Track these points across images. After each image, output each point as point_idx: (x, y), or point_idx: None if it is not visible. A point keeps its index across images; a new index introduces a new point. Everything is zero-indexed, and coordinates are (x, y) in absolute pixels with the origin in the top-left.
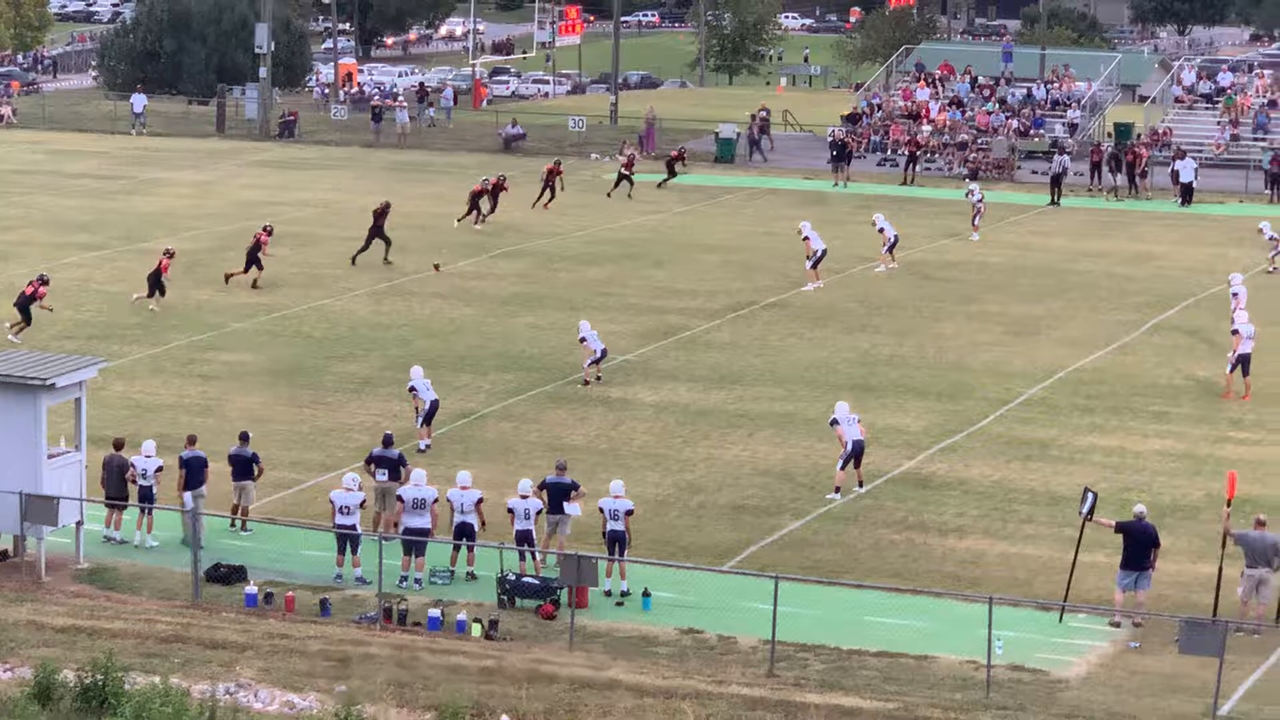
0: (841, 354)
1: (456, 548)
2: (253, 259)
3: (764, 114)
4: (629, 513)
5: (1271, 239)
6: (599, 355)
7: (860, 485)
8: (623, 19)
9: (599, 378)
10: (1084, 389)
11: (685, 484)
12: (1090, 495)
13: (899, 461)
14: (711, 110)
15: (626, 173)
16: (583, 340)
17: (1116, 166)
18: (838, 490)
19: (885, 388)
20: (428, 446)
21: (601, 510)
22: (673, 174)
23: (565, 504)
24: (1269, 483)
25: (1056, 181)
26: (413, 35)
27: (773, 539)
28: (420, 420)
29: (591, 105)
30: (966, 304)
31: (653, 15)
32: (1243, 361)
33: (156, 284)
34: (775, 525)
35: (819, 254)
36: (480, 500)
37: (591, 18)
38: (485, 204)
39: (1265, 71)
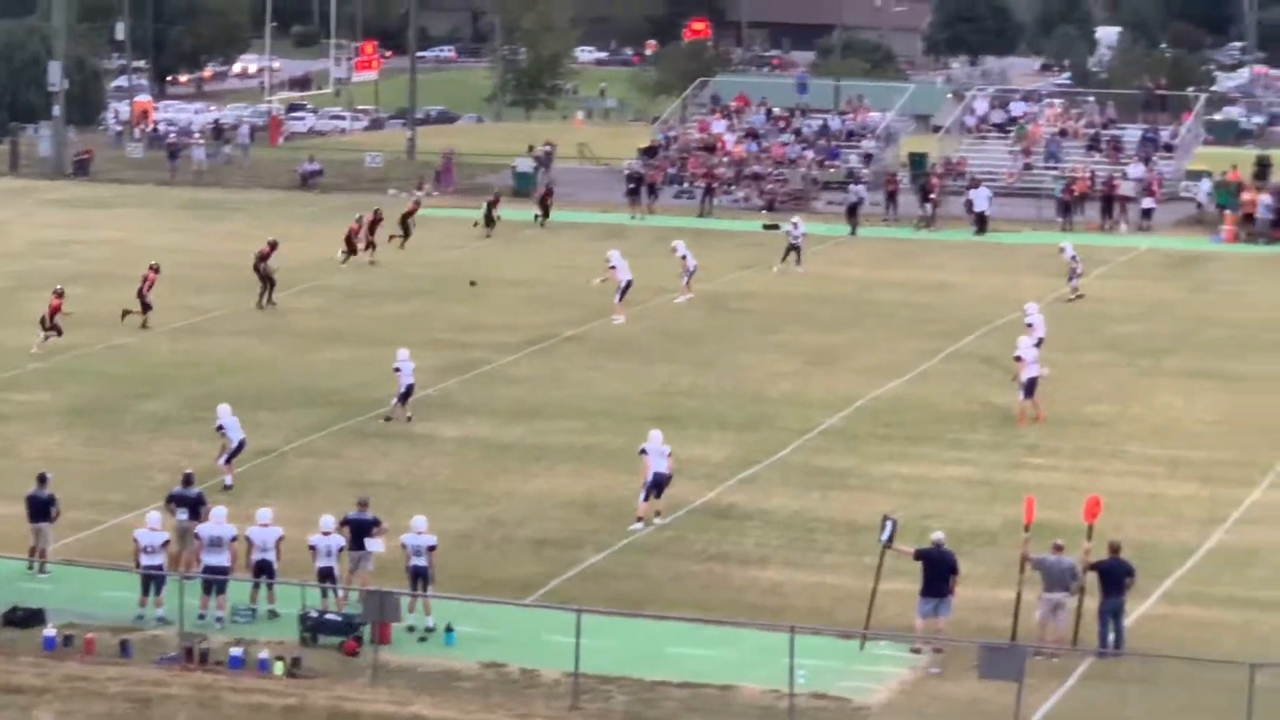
0: (641, 386)
1: (257, 585)
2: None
3: (547, 148)
4: (432, 548)
5: (1073, 258)
6: (403, 390)
7: (658, 516)
8: (419, 54)
9: (409, 418)
10: (882, 418)
11: (487, 518)
12: (889, 523)
13: (700, 492)
14: (509, 145)
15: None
16: (396, 370)
17: (924, 197)
18: (640, 521)
19: (685, 419)
20: (230, 484)
21: (404, 546)
22: (491, 221)
23: (367, 540)
24: (1065, 508)
25: (853, 211)
26: (208, 73)
27: (575, 572)
28: (224, 458)
29: (389, 141)
30: (766, 334)
31: (449, 50)
32: (1029, 386)
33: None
34: (577, 558)
35: (625, 285)
36: (281, 538)
37: (388, 53)
38: (362, 241)
39: (1055, 101)
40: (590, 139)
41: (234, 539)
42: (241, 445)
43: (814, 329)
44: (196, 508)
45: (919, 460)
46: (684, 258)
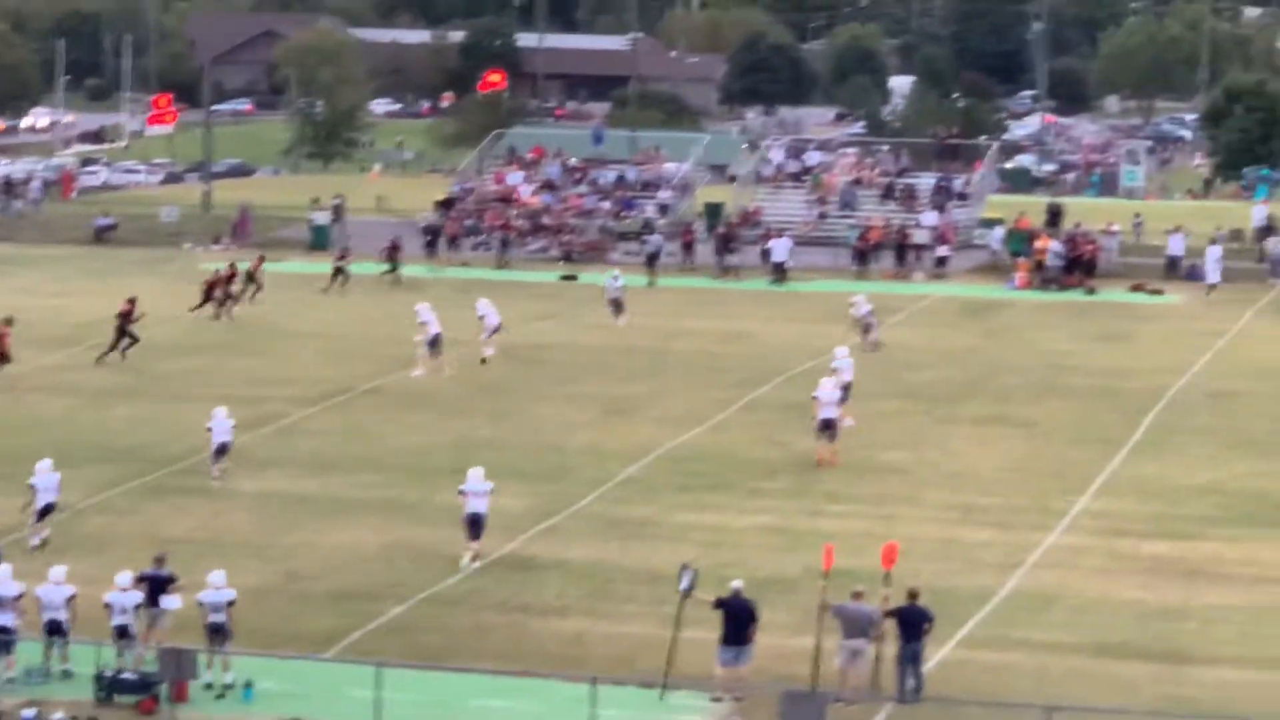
0: (439, 438)
1: (49, 645)
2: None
3: (337, 201)
4: (230, 603)
5: (868, 312)
6: (216, 447)
7: (475, 560)
8: (215, 108)
9: (215, 477)
10: (681, 467)
11: (286, 572)
12: (689, 572)
13: (500, 544)
14: (306, 197)
15: (341, 265)
16: (209, 429)
17: (724, 247)
18: (469, 557)
19: (485, 470)
20: (42, 542)
21: (201, 603)
22: (394, 267)
23: (163, 597)
24: (862, 554)
25: (651, 261)
26: (0, 125)
27: (376, 625)
28: (35, 517)
29: (185, 195)
30: (564, 385)
31: (246, 104)
32: (824, 425)
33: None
34: (378, 611)
35: (434, 339)
36: (73, 596)
37: (183, 106)
38: (220, 292)
39: (850, 150)
40: (388, 191)
41: (19, 597)
42: (51, 508)
43: (612, 379)
44: None
45: (718, 509)
46: (483, 317)
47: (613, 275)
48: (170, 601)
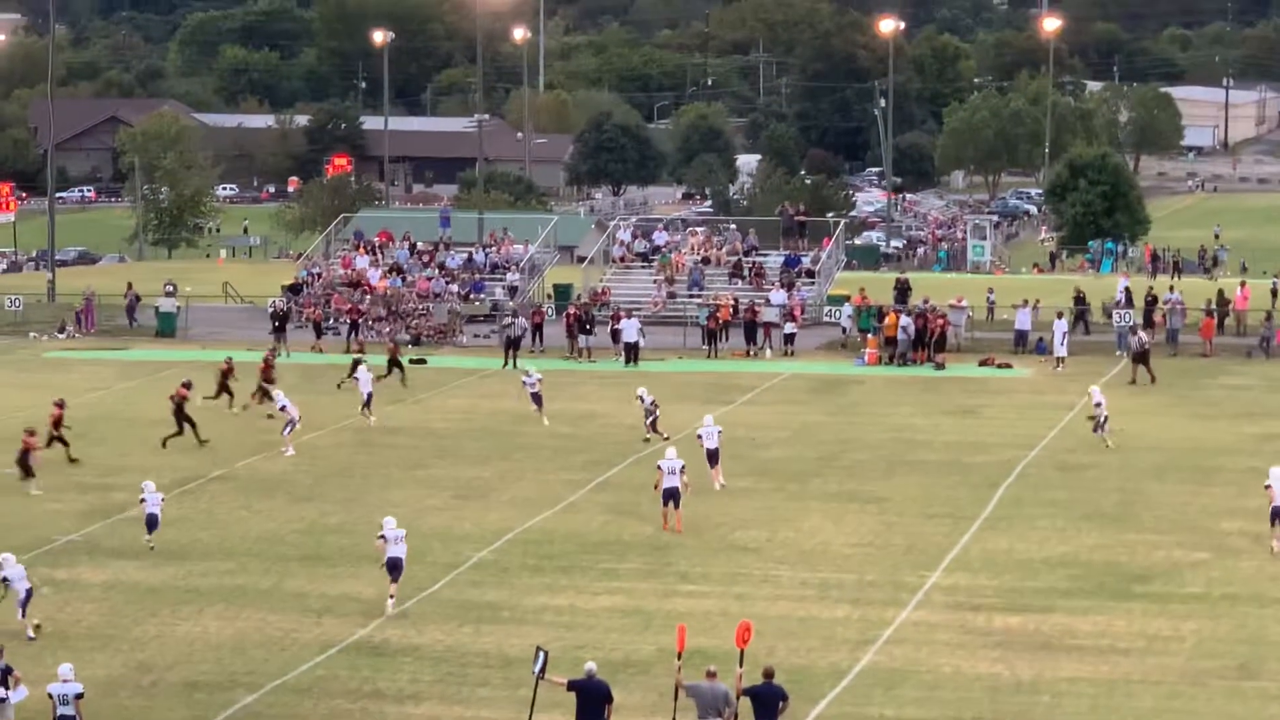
0: (290, 524)
1: None
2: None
3: (169, 288)
4: (79, 696)
5: (651, 405)
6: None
7: (392, 600)
8: (59, 195)
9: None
10: (534, 549)
11: (136, 663)
12: (542, 654)
13: (351, 630)
14: (152, 284)
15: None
16: (142, 501)
17: (580, 328)
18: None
19: (335, 556)
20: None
21: (50, 695)
22: (399, 366)
23: (7, 690)
24: (716, 633)
25: (514, 344)
26: None
27: (227, 715)
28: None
29: (28, 283)
30: (414, 469)
31: (89, 190)
32: (667, 495)
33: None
34: (229, 700)
35: (294, 421)
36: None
37: (25, 195)
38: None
39: (698, 229)
40: (234, 277)
41: None
42: (30, 593)
43: (462, 462)
44: None
45: (571, 591)
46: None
47: (525, 372)
48: (15, 694)
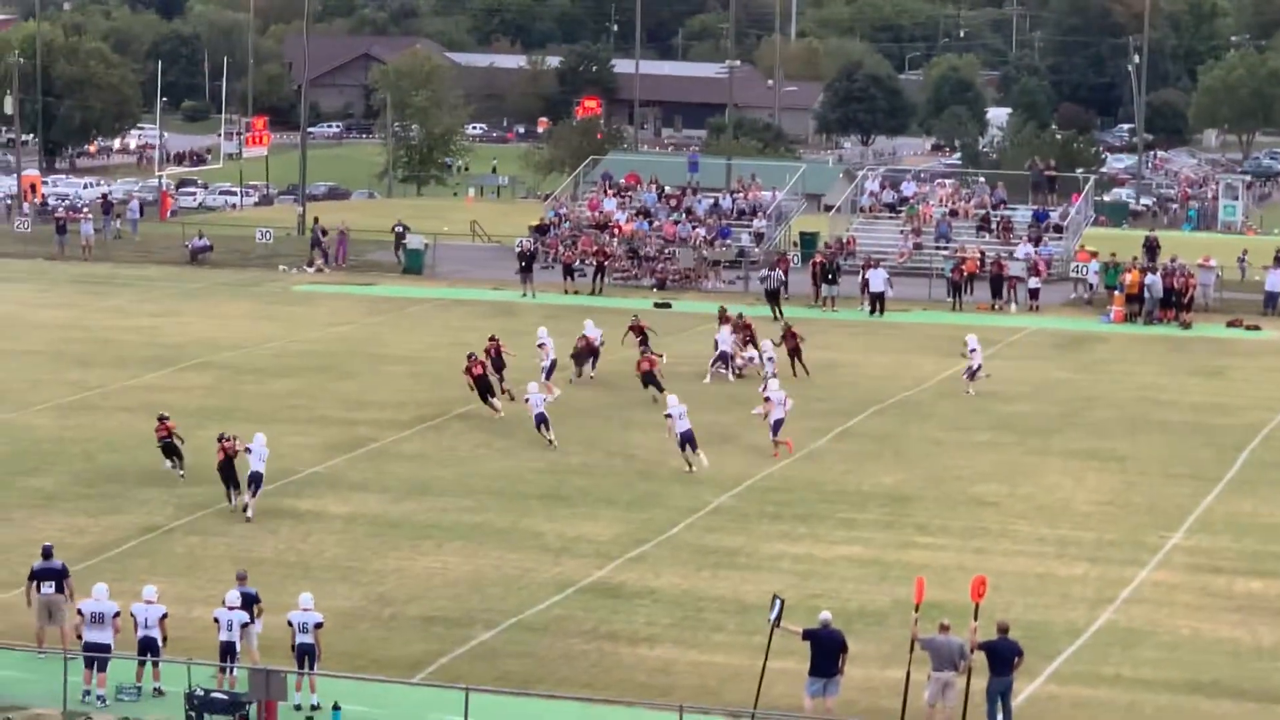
0: (530, 464)
1: (141, 663)
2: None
3: (399, 228)
4: (318, 625)
5: (972, 350)
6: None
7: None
8: (310, 130)
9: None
10: (772, 496)
11: (375, 596)
12: (778, 602)
13: (588, 571)
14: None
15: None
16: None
17: (825, 276)
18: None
19: (575, 496)
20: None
21: (290, 623)
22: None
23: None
24: (953, 587)
25: (773, 297)
26: (93, 147)
27: (464, 650)
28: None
29: (279, 217)
30: (656, 413)
31: (336, 126)
32: (777, 425)
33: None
34: (466, 636)
35: (551, 364)
36: (165, 615)
37: (280, 131)
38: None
39: (946, 181)
40: (482, 216)
41: (117, 615)
42: (257, 475)
43: (706, 407)
44: (61, 580)
45: (808, 539)
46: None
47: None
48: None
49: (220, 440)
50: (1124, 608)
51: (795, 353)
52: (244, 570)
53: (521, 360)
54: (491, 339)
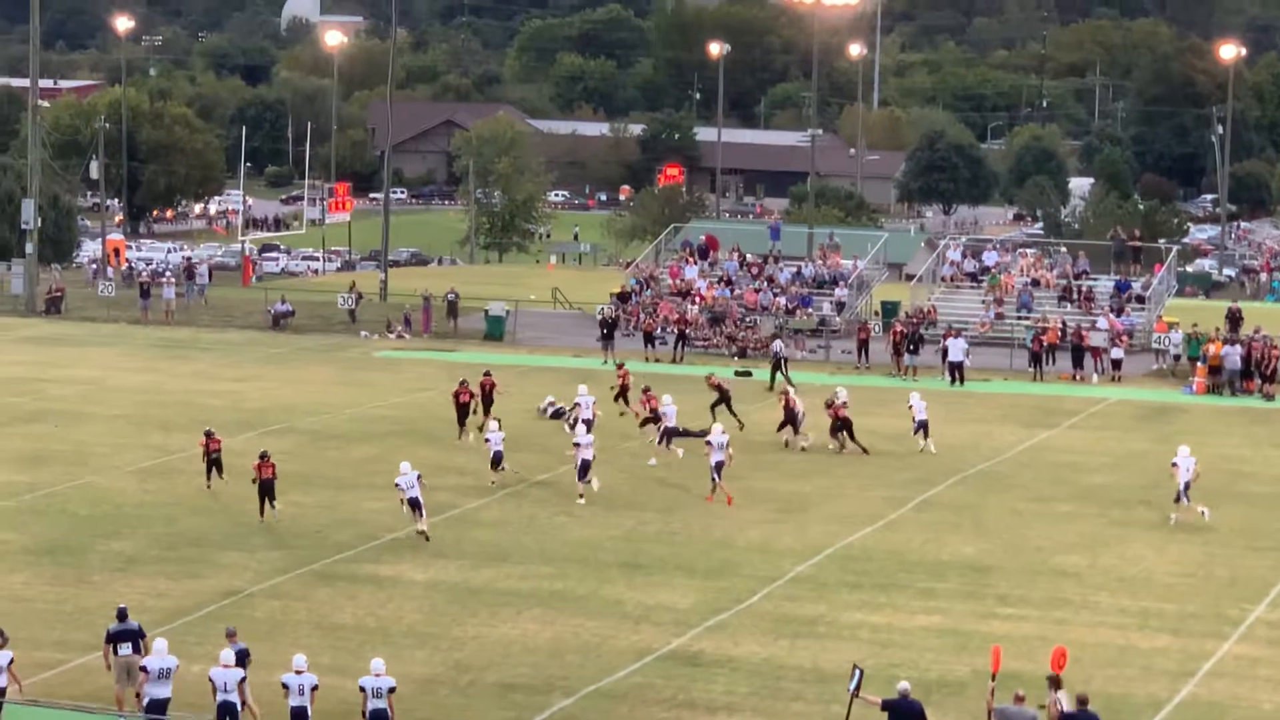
0: (609, 531)
1: None
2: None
3: (452, 296)
4: (391, 690)
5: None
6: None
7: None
8: (393, 196)
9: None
10: (852, 565)
11: (454, 662)
12: (858, 671)
13: (667, 639)
14: (481, 288)
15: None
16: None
17: (908, 346)
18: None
19: (653, 565)
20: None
21: (363, 689)
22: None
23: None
24: (1033, 658)
25: (776, 366)
26: (170, 213)
27: (542, 718)
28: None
29: (361, 283)
30: (734, 481)
31: (402, 192)
32: (718, 467)
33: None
34: (545, 704)
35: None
36: (244, 679)
37: (362, 196)
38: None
39: (1028, 251)
40: (563, 283)
41: (173, 670)
42: (416, 501)
43: (783, 476)
44: (138, 641)
45: (888, 609)
46: (577, 404)
47: (485, 436)
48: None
49: (261, 458)
50: (1206, 681)
51: (843, 425)
52: (233, 628)
53: (521, 403)
54: (486, 373)
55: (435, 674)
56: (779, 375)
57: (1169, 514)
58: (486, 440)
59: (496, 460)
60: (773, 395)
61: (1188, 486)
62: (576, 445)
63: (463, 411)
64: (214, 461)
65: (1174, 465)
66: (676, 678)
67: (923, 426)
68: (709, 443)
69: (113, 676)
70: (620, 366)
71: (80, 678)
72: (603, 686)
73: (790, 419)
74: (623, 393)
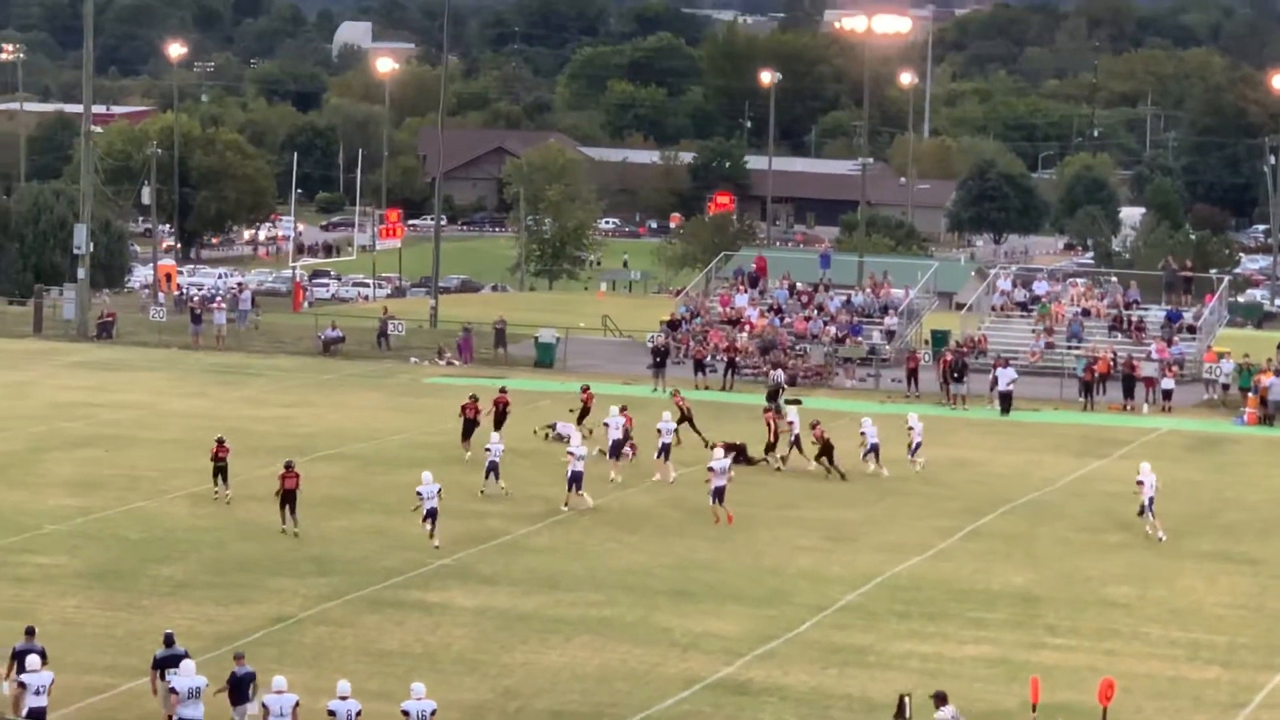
0: (658, 558)
1: None
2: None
3: (500, 324)
4: (433, 713)
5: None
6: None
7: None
8: (443, 223)
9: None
10: (901, 595)
11: (502, 689)
12: (907, 701)
13: (716, 667)
14: (531, 315)
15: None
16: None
17: (956, 375)
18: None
19: (702, 593)
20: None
21: (406, 714)
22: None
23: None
24: (1084, 688)
25: (771, 396)
26: (216, 239)
27: None
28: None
29: (411, 309)
30: (783, 509)
31: (473, 219)
32: (718, 493)
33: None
34: None
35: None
36: (297, 704)
37: (412, 222)
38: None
39: (1079, 280)
40: (613, 310)
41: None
42: (433, 512)
43: (832, 505)
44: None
45: (937, 638)
46: (607, 424)
47: (486, 446)
48: (252, 706)
49: (286, 467)
50: (1257, 713)
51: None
52: (241, 650)
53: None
54: (502, 390)
55: (484, 701)
56: (778, 400)
57: (1145, 529)
58: (487, 449)
59: (491, 470)
60: (807, 423)
61: (1151, 502)
62: (570, 454)
63: (469, 427)
64: (220, 469)
65: (1139, 483)
66: (725, 706)
67: (874, 450)
68: (711, 468)
69: (159, 702)
70: (585, 389)
71: (129, 702)
72: (651, 714)
73: (776, 441)
74: (584, 414)
